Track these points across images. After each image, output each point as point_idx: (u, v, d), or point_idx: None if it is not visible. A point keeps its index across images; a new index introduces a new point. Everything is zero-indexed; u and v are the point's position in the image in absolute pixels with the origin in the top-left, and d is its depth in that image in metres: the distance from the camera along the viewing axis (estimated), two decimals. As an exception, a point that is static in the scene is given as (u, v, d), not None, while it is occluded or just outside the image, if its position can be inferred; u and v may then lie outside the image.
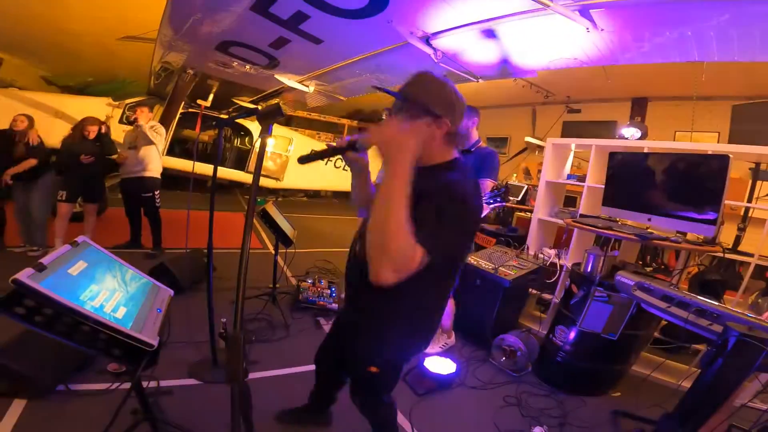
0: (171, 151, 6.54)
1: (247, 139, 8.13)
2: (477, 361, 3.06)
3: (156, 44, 4.09)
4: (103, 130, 4.20)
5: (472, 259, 3.30)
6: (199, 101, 5.90)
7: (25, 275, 1.18)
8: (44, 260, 1.30)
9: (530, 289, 3.65)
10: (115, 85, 7.38)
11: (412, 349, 1.43)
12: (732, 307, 2.90)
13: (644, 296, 2.04)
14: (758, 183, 3.69)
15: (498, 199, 2.46)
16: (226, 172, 7.45)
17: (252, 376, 2.34)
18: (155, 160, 4.43)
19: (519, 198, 4.79)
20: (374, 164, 1.33)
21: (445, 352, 3.01)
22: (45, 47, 6.58)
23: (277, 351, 2.75)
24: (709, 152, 3.06)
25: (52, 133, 4.41)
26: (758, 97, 4.95)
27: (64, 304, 1.20)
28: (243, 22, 3.03)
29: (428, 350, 3.01)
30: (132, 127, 4.42)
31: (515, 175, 6.72)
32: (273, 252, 3.57)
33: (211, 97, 5.71)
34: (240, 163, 7.76)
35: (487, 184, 2.75)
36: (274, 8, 2.74)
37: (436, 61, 2.87)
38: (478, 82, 3.27)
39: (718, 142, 5.67)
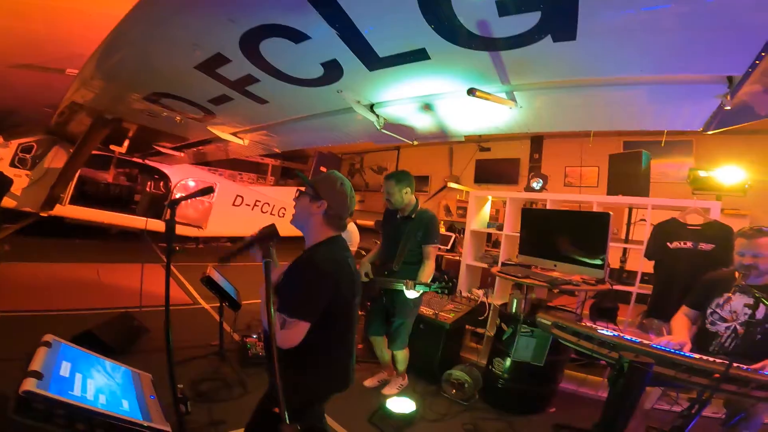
0: (74, 198, 5.89)
1: (162, 183, 7.54)
2: (429, 395, 3.33)
3: (75, 81, 3.79)
4: None
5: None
6: (112, 146, 5.46)
7: (31, 385, 1.18)
8: (35, 367, 1.30)
9: (466, 326, 4.05)
10: None
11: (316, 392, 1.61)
12: (623, 326, 3.63)
13: (559, 333, 2.48)
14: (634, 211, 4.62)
15: (445, 291, 2.80)
16: (137, 221, 6.73)
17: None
18: None
19: (449, 246, 5.29)
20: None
21: (402, 392, 3.23)
22: None
23: (240, 409, 2.71)
24: (594, 204, 3.83)
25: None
26: (626, 133, 6.17)
27: (81, 407, 1.22)
28: (184, 77, 3.02)
29: (386, 392, 3.20)
30: None
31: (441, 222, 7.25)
32: (203, 305, 3.50)
33: (126, 142, 5.32)
34: (155, 211, 7.12)
35: (431, 251, 3.09)
36: (222, 70, 2.80)
37: (378, 128, 3.16)
38: (414, 144, 3.65)
39: (598, 176, 6.76)
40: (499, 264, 4.10)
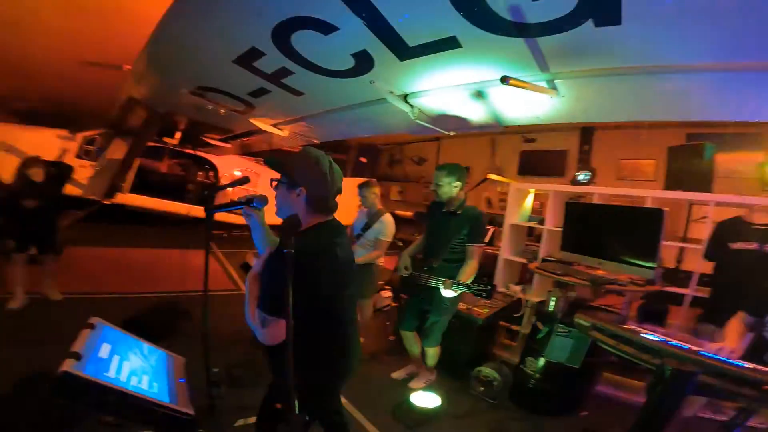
0: (133, 187, 6.34)
1: (211, 173, 7.92)
2: (456, 391, 3.28)
3: (129, 77, 4.06)
4: (52, 172, 3.94)
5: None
6: (165, 139, 5.80)
7: (69, 366, 1.27)
8: (76, 348, 1.39)
9: (500, 322, 3.93)
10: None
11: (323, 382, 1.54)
12: (674, 330, 3.38)
13: (598, 335, 2.34)
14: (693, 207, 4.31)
15: (482, 294, 2.71)
16: (187, 209, 7.11)
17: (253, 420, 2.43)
18: None
19: (486, 240, 5.15)
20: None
21: (429, 387, 3.19)
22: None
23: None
24: (649, 200, 3.55)
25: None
26: (690, 125, 5.67)
27: (112, 388, 1.31)
28: (224, 71, 3.13)
29: (413, 385, 3.20)
30: None
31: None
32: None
33: (178, 134, 5.63)
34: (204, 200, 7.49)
35: (475, 250, 2.99)
36: (258, 63, 2.87)
37: (412, 117, 3.11)
38: (450, 135, 3.56)
39: (656, 170, 6.22)
40: (539, 260, 3.94)
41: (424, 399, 2.86)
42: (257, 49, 2.66)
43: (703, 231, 3.33)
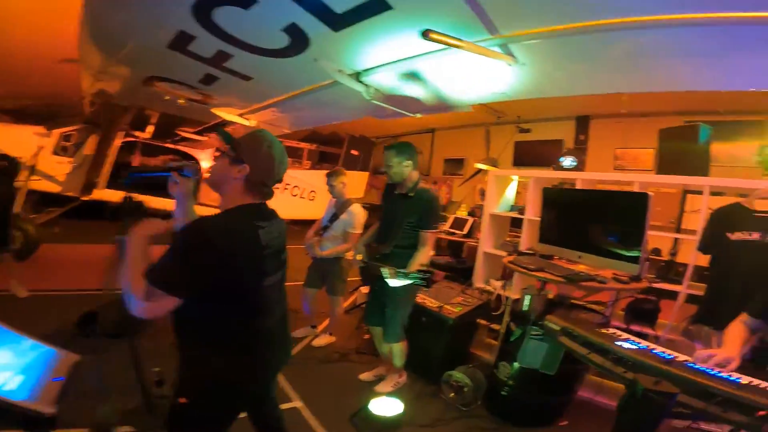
0: (113, 183, 6.19)
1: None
2: (427, 396, 3.05)
3: (81, 71, 3.89)
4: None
5: (419, 297, 3.27)
6: (137, 133, 5.62)
7: None
8: None
9: (479, 320, 3.65)
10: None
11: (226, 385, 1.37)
12: (665, 330, 3.05)
13: (568, 342, 2.05)
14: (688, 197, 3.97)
15: (423, 282, 2.47)
16: (164, 203, 6.89)
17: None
18: None
19: (465, 231, 4.86)
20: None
21: (397, 391, 2.99)
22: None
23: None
24: (636, 185, 3.22)
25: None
26: (688, 112, 5.35)
27: None
28: (164, 59, 2.93)
29: (380, 389, 2.98)
30: None
31: (463, 205, 6.79)
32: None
33: (151, 128, 5.44)
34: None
35: (428, 236, 2.74)
36: (193, 47, 2.66)
37: (368, 98, 2.85)
38: (416, 117, 3.29)
39: (654, 159, 5.93)
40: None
41: (385, 406, 2.61)
42: (186, 33, 2.45)
43: (698, 220, 2.99)
